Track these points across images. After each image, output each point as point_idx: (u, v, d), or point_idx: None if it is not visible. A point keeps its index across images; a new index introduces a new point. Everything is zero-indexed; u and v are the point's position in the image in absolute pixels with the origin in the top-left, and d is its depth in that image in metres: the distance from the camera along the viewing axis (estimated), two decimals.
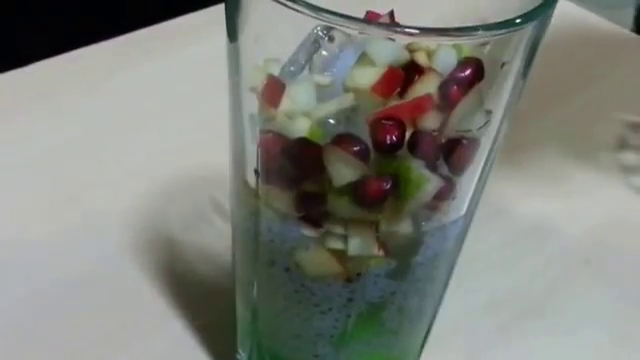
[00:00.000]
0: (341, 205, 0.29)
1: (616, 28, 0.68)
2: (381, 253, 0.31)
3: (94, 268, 0.43)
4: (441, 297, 0.36)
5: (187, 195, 0.47)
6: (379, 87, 0.28)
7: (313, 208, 0.30)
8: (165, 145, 0.51)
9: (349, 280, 0.32)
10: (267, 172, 0.31)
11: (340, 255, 0.31)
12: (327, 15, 0.26)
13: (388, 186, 0.29)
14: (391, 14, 0.32)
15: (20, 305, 0.41)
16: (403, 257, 0.32)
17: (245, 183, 0.33)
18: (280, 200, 0.31)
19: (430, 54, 0.28)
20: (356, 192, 0.29)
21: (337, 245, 0.31)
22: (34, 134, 0.51)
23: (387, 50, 0.28)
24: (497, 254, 0.46)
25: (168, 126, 0.52)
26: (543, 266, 0.47)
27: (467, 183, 0.31)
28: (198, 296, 0.42)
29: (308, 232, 0.31)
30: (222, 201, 0.46)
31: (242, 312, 0.37)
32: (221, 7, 0.30)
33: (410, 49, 0.28)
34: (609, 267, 0.47)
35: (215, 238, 0.45)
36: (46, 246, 0.44)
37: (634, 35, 0.69)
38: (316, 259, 0.31)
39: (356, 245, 0.31)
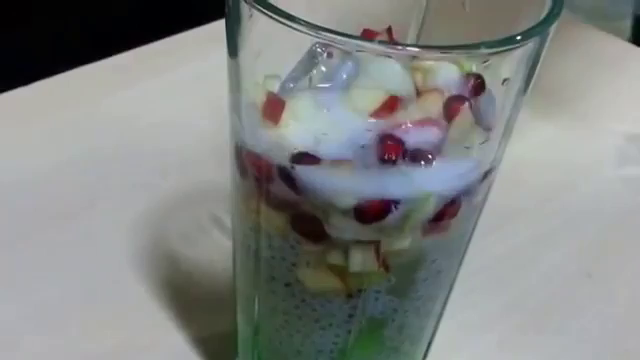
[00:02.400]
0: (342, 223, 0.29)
1: (614, 39, 0.68)
2: (382, 269, 0.31)
3: (95, 283, 0.43)
4: (441, 313, 0.36)
5: (187, 210, 0.47)
6: (378, 108, 0.28)
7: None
8: (165, 160, 0.51)
9: (350, 296, 0.32)
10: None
11: (341, 271, 0.31)
12: (326, 33, 0.26)
13: (389, 204, 0.29)
14: (389, 31, 0.32)
15: (21, 320, 0.41)
16: (404, 273, 0.32)
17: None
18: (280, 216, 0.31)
19: (429, 73, 0.28)
20: (357, 210, 0.29)
21: (338, 261, 0.31)
22: (35, 151, 0.51)
23: (386, 70, 0.28)
24: (497, 268, 0.46)
25: (169, 141, 0.52)
26: (544, 280, 0.46)
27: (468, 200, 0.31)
28: (198, 310, 0.42)
29: (309, 248, 0.31)
30: (222, 216, 0.46)
31: (243, 327, 0.37)
32: (222, 23, 0.31)
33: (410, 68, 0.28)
34: (611, 281, 0.47)
35: (215, 253, 0.45)
36: (47, 262, 0.44)
37: (632, 46, 0.69)
38: (317, 275, 0.31)
39: (357, 261, 0.30)
